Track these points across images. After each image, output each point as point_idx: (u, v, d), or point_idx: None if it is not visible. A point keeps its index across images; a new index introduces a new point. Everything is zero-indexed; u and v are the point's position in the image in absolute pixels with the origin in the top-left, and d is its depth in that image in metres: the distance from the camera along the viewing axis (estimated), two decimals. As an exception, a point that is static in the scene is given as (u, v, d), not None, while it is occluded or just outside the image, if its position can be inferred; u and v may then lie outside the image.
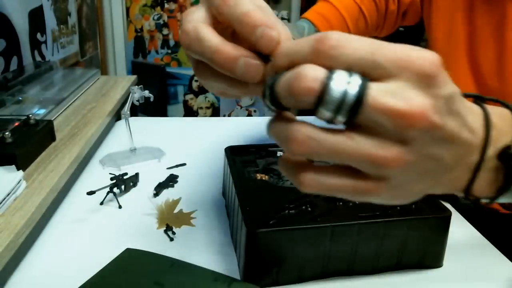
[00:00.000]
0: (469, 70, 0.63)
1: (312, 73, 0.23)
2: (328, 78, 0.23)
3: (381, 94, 0.23)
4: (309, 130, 0.24)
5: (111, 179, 0.61)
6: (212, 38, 0.28)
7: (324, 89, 0.22)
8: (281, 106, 0.25)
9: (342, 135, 0.24)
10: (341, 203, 0.49)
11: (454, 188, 0.30)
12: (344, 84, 0.23)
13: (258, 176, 0.56)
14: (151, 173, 0.69)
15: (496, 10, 0.58)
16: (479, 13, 0.60)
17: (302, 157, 0.26)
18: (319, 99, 0.23)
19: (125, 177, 0.63)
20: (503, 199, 0.31)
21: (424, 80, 0.23)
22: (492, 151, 0.28)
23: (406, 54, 0.24)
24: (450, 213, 0.47)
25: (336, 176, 0.26)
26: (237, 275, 0.47)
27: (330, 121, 0.24)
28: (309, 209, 0.48)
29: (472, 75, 0.63)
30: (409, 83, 0.23)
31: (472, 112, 0.27)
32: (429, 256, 0.48)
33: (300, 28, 0.67)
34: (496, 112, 0.29)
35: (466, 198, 0.31)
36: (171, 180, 0.67)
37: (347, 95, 0.22)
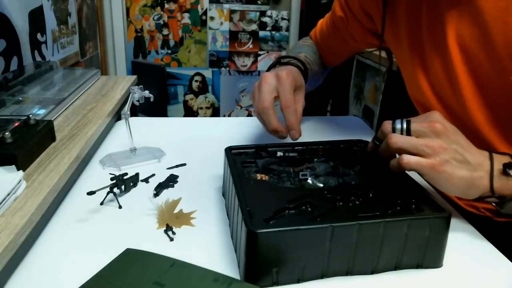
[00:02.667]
0: (426, 82, 0.69)
1: (388, 126, 0.55)
2: (394, 125, 0.54)
3: (418, 121, 0.53)
4: (400, 136, 0.53)
5: (111, 179, 0.61)
6: (272, 120, 0.64)
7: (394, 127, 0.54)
8: (380, 141, 0.57)
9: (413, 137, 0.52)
10: (341, 203, 0.49)
11: (483, 186, 0.51)
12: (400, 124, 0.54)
13: (258, 176, 0.56)
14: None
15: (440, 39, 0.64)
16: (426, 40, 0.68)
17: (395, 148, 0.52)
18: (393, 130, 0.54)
19: (125, 177, 0.63)
20: None
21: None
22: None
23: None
24: (450, 213, 0.47)
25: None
26: (237, 275, 0.47)
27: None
28: (309, 209, 0.48)
29: (429, 86, 0.69)
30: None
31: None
32: (429, 256, 0.48)
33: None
34: None
35: (493, 195, 0.52)
36: (171, 180, 0.67)
37: (403, 127, 0.53)
